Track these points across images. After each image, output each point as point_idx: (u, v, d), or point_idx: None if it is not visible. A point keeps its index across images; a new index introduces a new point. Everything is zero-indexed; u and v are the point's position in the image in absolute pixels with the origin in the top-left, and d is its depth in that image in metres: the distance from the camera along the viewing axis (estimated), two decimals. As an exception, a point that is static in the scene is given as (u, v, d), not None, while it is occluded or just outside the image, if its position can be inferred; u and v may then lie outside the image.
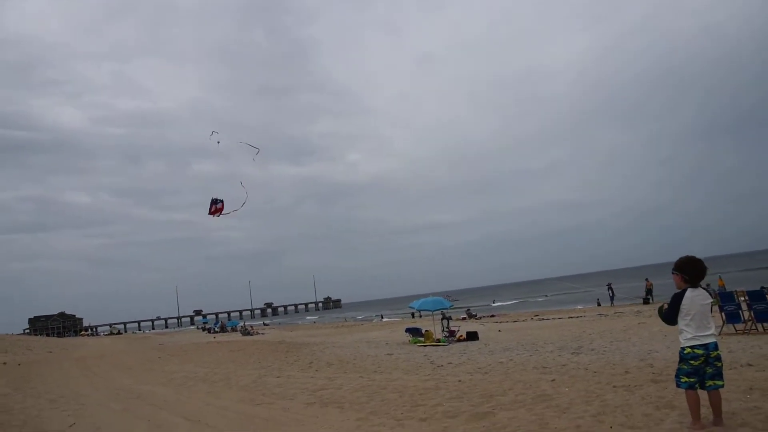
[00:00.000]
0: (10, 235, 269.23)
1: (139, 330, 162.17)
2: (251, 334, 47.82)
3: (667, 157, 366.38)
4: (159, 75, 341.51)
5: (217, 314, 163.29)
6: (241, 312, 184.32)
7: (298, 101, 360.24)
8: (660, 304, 6.45)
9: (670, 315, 5.90)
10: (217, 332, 62.14)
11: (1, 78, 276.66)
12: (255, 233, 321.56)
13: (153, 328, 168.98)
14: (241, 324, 64.57)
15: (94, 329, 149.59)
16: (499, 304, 74.09)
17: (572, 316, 32.37)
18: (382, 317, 67.78)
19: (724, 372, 5.82)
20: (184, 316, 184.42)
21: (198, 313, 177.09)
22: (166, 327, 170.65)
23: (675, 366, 6.04)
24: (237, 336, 47.91)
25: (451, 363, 14.48)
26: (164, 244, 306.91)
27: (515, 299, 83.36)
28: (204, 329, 76.48)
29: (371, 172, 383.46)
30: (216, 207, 18.49)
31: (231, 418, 9.44)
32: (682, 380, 5.76)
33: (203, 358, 23.41)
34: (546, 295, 77.69)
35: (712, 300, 5.94)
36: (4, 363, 30.45)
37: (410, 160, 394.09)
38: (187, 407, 11.08)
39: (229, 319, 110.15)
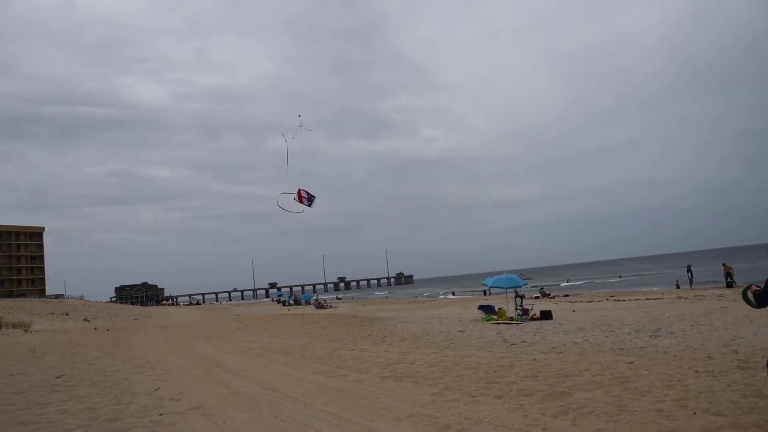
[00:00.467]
0: (98, 208, 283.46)
1: (217, 301, 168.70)
2: (324, 308, 48.90)
3: (741, 130, 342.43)
4: (236, 50, 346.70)
5: (291, 287, 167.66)
6: (314, 285, 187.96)
7: (373, 76, 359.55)
8: (744, 286, 6.11)
9: (766, 297, 5.54)
10: (291, 305, 63.89)
11: (87, 57, 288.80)
12: (329, 208, 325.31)
13: (230, 300, 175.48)
14: (315, 297, 65.96)
15: (175, 299, 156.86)
16: (570, 283, 72.65)
17: (649, 297, 31.36)
18: (454, 293, 67.74)
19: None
20: (259, 289, 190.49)
21: (273, 285, 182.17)
22: (242, 299, 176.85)
23: (763, 353, 5.80)
24: (311, 309, 49.11)
25: (524, 341, 14.37)
26: (241, 218, 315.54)
27: (586, 279, 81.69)
28: (279, 302, 78.68)
29: (446, 147, 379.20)
30: (302, 197, 19.46)
31: (307, 388, 9.72)
32: (775, 368, 5.48)
33: (279, 330, 24.15)
34: (620, 276, 75.45)
35: None
36: (95, 328, 32.58)
37: (484, 135, 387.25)
38: (264, 376, 11.51)
39: (303, 293, 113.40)
